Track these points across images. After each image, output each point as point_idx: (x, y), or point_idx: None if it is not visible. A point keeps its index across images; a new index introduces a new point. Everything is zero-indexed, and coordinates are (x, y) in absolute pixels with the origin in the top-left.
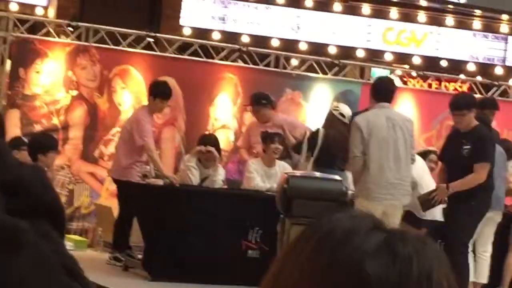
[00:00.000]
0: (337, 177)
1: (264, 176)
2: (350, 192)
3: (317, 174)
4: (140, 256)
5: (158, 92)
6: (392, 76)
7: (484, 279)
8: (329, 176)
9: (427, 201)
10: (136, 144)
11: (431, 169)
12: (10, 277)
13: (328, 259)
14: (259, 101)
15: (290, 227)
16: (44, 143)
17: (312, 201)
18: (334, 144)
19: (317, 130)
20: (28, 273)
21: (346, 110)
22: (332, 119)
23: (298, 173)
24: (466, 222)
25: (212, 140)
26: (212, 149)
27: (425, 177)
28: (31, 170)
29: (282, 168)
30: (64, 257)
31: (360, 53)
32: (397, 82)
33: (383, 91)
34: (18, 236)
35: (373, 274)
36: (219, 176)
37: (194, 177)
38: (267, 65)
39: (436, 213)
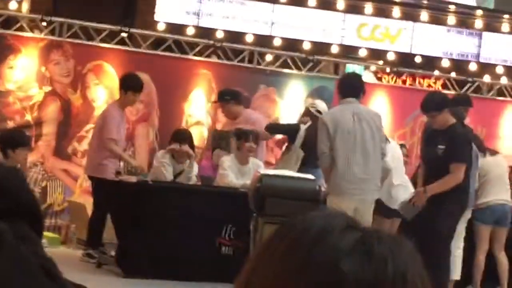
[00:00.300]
0: (311, 176)
1: (238, 174)
2: (323, 190)
3: (290, 172)
4: (113, 253)
5: (130, 85)
6: (366, 72)
7: (457, 275)
8: (302, 175)
9: (409, 207)
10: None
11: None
12: None
13: (302, 258)
14: (222, 98)
15: (263, 226)
16: (14, 139)
17: (285, 200)
18: (310, 142)
19: (298, 125)
20: (7, 274)
21: (323, 106)
22: (309, 116)
23: (271, 172)
24: (445, 225)
25: (186, 136)
26: (187, 148)
27: (399, 166)
28: (8, 171)
29: (256, 165)
30: (42, 259)
31: (335, 49)
32: (371, 78)
33: (349, 87)
34: None
35: (348, 272)
36: (193, 172)
37: (168, 173)
38: (241, 60)
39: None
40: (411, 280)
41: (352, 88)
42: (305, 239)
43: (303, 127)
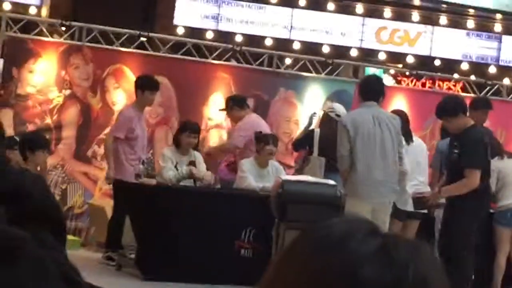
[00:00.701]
0: (331, 182)
1: (257, 177)
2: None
3: (311, 178)
4: (133, 256)
5: (146, 84)
6: (385, 76)
7: None
8: (323, 181)
9: (419, 201)
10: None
11: None
12: None
13: (324, 263)
14: (226, 104)
15: (285, 232)
16: (33, 141)
17: (306, 206)
18: (330, 147)
19: (312, 131)
20: (27, 284)
21: (341, 110)
22: (328, 121)
23: (292, 177)
24: (461, 228)
25: (197, 127)
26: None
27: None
28: (32, 178)
29: (275, 168)
30: (64, 266)
31: (354, 53)
32: (391, 82)
33: (369, 90)
34: (18, 246)
35: (368, 278)
36: (200, 159)
37: (173, 172)
38: (261, 64)
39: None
40: (431, 285)
41: (373, 91)
42: (327, 244)
43: (316, 133)
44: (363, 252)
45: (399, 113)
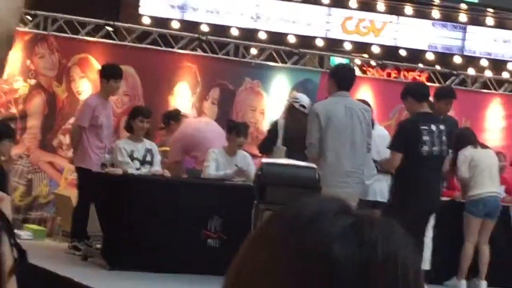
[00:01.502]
0: (311, 164)
1: (226, 164)
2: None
3: (291, 161)
4: (98, 246)
5: (110, 73)
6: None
7: (426, 265)
8: (302, 163)
9: None
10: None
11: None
12: None
13: (295, 243)
14: (163, 122)
15: (263, 213)
16: None
17: (285, 187)
18: (294, 137)
19: (276, 122)
20: None
21: (306, 100)
22: (292, 111)
23: (272, 160)
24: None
25: (149, 112)
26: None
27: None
28: None
29: (243, 156)
30: None
31: (319, 42)
32: (356, 72)
33: (344, 79)
34: None
35: (339, 257)
36: (155, 149)
37: (130, 166)
38: (227, 54)
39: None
40: (402, 264)
41: (347, 81)
42: (298, 224)
43: (281, 122)
44: (333, 231)
45: (363, 102)
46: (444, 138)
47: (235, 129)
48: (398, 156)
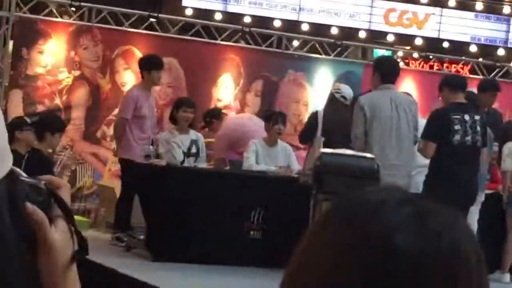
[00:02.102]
0: (369, 155)
1: (266, 156)
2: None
3: (349, 151)
4: (142, 237)
5: (152, 64)
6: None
7: None
8: (361, 154)
9: None
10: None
11: None
12: None
13: (356, 232)
14: (204, 120)
15: (321, 203)
16: (53, 123)
17: (343, 177)
18: (333, 128)
19: (316, 112)
20: None
21: (347, 92)
22: (333, 101)
23: (330, 150)
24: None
25: (192, 102)
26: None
27: None
28: None
29: (284, 148)
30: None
31: (362, 34)
32: (399, 64)
33: (390, 72)
34: None
35: (401, 246)
36: (201, 139)
37: (178, 155)
38: (270, 46)
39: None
40: (464, 254)
41: (392, 73)
42: (360, 213)
43: (320, 113)
44: (395, 220)
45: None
46: (478, 128)
47: (272, 117)
48: (431, 145)
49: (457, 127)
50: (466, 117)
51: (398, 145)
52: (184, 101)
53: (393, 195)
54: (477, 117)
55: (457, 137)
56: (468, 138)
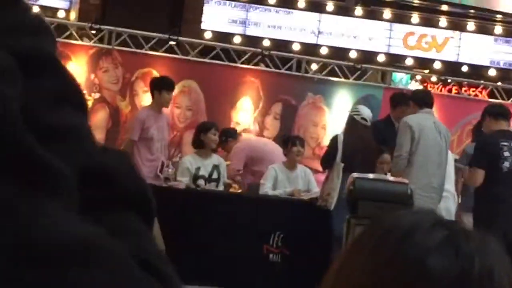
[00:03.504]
0: (403, 180)
1: (286, 180)
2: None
3: (383, 176)
4: None
5: (164, 84)
6: (412, 81)
7: None
8: (394, 179)
9: None
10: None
11: None
12: None
13: (390, 254)
14: (220, 138)
15: (355, 228)
16: None
17: (377, 202)
18: (353, 151)
19: (336, 136)
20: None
21: (366, 112)
22: (352, 124)
23: (364, 175)
24: None
25: (217, 126)
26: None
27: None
28: (117, 155)
29: (303, 171)
30: (144, 252)
31: (381, 58)
32: (418, 87)
33: (426, 97)
34: (91, 245)
35: (435, 268)
36: (223, 164)
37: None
38: (289, 69)
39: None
40: (498, 279)
41: (428, 99)
42: (394, 235)
43: (340, 137)
44: (430, 243)
45: None
46: None
47: (290, 140)
48: (480, 172)
49: (506, 153)
50: None
51: (439, 168)
52: (212, 124)
53: (426, 218)
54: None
55: (507, 164)
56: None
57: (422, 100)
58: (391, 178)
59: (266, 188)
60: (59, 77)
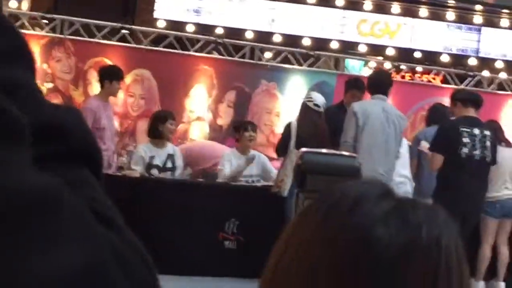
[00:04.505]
0: (352, 154)
1: (241, 165)
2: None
3: (331, 150)
4: None
5: (115, 74)
6: (366, 68)
7: None
8: (342, 152)
9: None
10: None
11: None
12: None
13: (337, 225)
14: None
15: (304, 202)
16: None
17: (325, 176)
18: (307, 138)
19: (289, 124)
20: (71, 233)
21: (319, 99)
22: (305, 110)
23: (312, 149)
24: None
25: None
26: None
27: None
28: (69, 111)
29: (257, 156)
30: (99, 204)
31: (335, 45)
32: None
33: (379, 83)
34: (54, 196)
35: (381, 239)
36: (178, 153)
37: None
38: (242, 57)
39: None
40: (445, 246)
41: (382, 84)
42: (341, 206)
43: (294, 124)
44: (376, 214)
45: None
46: (488, 144)
47: (242, 126)
48: (439, 157)
49: (466, 139)
50: (476, 131)
51: (385, 155)
52: (168, 114)
53: (373, 189)
54: (487, 132)
55: (465, 150)
56: (477, 152)
57: (374, 86)
58: (339, 152)
59: (225, 172)
60: (9, 35)
